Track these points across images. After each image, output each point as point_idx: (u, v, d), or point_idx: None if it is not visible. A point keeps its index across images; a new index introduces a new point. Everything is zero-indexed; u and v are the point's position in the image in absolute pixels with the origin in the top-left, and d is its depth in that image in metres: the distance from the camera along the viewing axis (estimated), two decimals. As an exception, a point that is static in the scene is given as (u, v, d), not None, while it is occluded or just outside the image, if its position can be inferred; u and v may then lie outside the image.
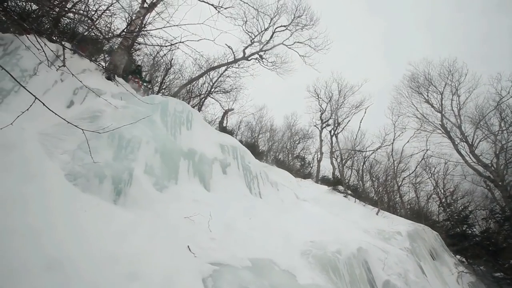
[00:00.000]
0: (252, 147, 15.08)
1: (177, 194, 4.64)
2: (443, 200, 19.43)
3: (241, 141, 12.93)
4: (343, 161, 19.86)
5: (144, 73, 10.58)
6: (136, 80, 9.23)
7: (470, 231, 12.66)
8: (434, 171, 20.91)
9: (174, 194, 4.59)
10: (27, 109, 2.21)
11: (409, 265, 7.08)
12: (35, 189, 2.65)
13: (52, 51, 3.29)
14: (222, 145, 7.08)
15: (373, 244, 7.03)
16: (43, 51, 3.18)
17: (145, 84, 10.25)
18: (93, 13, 6.83)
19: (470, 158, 17.29)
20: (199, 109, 15.42)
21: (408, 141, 20.27)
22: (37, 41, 3.21)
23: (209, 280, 3.07)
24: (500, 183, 15.70)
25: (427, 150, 19.98)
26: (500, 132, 17.07)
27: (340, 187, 14.59)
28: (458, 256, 11.94)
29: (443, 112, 18.87)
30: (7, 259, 1.81)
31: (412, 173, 20.96)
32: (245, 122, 21.90)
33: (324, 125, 21.88)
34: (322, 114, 22.08)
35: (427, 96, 19.65)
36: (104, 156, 4.17)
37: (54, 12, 6.16)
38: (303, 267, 4.30)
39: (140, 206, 3.73)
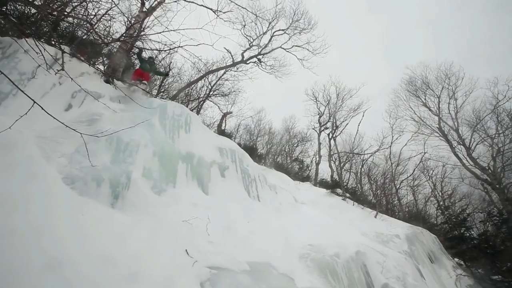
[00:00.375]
0: (251, 150, 15.10)
1: (175, 198, 4.63)
2: (441, 202, 19.49)
3: (239, 144, 12.94)
4: (342, 164, 19.90)
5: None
6: (143, 79, 7.50)
7: (468, 234, 12.70)
8: (432, 174, 21.03)
9: (172, 198, 4.58)
10: (26, 113, 2.21)
11: (407, 268, 7.07)
12: (34, 191, 2.65)
13: (50, 54, 3.31)
14: (220, 148, 7.08)
15: (371, 247, 7.03)
16: (42, 54, 3.20)
17: (159, 76, 8.61)
18: (92, 17, 6.86)
19: (467, 161, 17.40)
20: (198, 112, 15.42)
21: (406, 144, 20.37)
22: (36, 45, 3.23)
23: (207, 284, 3.06)
24: (497, 185, 15.78)
25: (424, 153, 20.09)
26: (497, 135, 17.23)
27: (339, 190, 14.60)
28: (456, 259, 11.96)
29: (440, 115, 19.03)
30: (7, 259, 1.80)
31: (410, 176, 21.04)
32: (243, 125, 21.95)
33: (322, 128, 21.94)
34: (320, 117, 22.17)
35: (425, 99, 19.84)
36: (102, 159, 4.16)
37: (52, 16, 6.18)
38: (301, 270, 4.29)
39: (138, 209, 3.72)
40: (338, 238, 6.46)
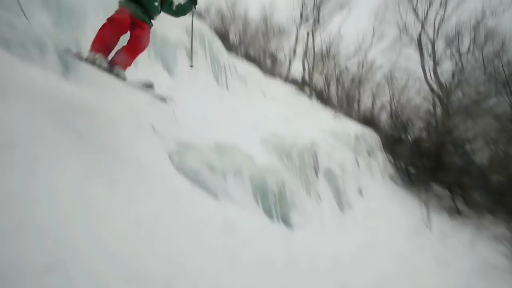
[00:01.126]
0: (222, 37, 13.67)
1: (137, 76, 4.34)
2: (394, 110, 21.56)
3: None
4: (314, 64, 19.66)
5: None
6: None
7: (405, 138, 14.97)
8: (395, 84, 22.13)
9: (134, 76, 4.28)
10: None
11: (348, 158, 8.49)
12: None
13: None
14: (188, 29, 6.27)
15: (324, 140, 8.02)
16: None
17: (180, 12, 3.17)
18: None
19: (430, 75, 18.26)
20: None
21: (381, 52, 20.25)
22: None
23: (174, 156, 3.36)
24: (445, 101, 17.44)
25: (396, 63, 20.41)
26: (466, 53, 17.55)
27: (307, 90, 15.02)
28: (389, 156, 14.48)
29: (424, 23, 18.28)
30: None
31: (375, 84, 22.00)
32: (215, 7, 18.95)
33: (302, 22, 20.02)
34: (302, 9, 19.79)
35: (416, 4, 18.39)
36: (40, 22, 3.46)
37: None
38: (262, 152, 4.88)
39: (96, 83, 3.47)
40: (298, 131, 7.14)
